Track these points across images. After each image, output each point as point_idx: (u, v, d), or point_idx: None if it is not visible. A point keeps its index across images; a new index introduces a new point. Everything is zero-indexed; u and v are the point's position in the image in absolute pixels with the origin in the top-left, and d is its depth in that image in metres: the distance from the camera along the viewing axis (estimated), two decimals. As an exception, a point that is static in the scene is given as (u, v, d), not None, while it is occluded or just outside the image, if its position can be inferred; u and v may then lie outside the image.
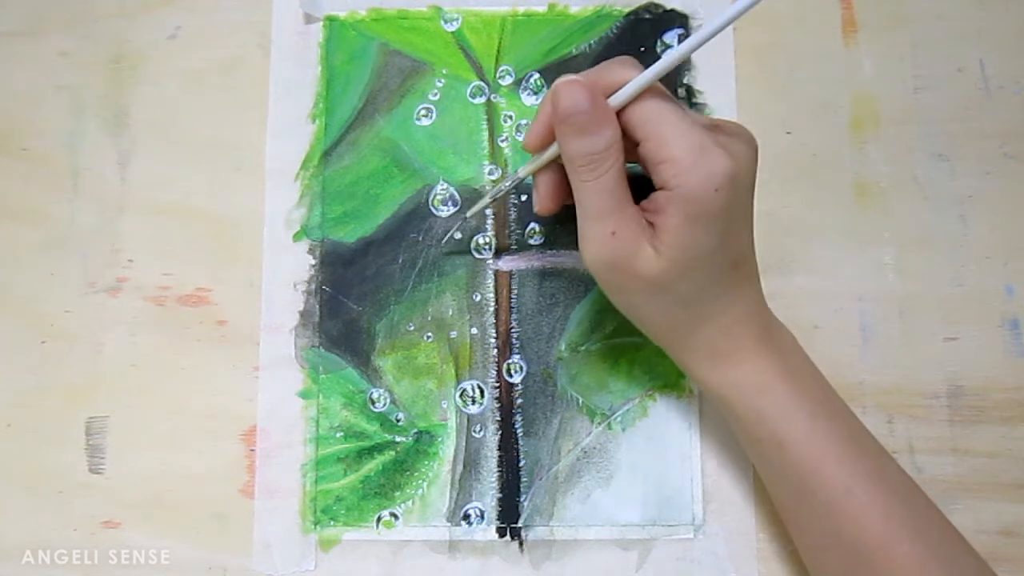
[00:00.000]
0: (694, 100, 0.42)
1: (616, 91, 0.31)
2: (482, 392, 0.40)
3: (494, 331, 0.41)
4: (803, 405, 0.33)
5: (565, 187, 0.35)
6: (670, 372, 0.40)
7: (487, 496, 0.40)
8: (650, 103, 0.31)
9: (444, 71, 0.43)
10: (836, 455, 0.33)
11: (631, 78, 0.31)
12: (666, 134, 0.30)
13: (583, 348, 0.41)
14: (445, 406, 0.40)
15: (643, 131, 0.31)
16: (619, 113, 0.32)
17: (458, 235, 0.41)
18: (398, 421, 0.40)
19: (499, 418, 0.40)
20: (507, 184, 0.37)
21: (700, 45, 0.30)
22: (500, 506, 0.39)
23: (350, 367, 0.41)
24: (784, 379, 0.33)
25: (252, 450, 0.40)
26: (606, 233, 0.32)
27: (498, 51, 0.43)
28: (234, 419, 0.40)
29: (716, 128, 0.32)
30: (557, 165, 0.35)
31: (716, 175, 0.30)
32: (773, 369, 0.33)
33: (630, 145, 0.32)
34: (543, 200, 0.36)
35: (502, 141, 0.42)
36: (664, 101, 0.31)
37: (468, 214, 0.40)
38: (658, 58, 0.42)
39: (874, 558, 0.32)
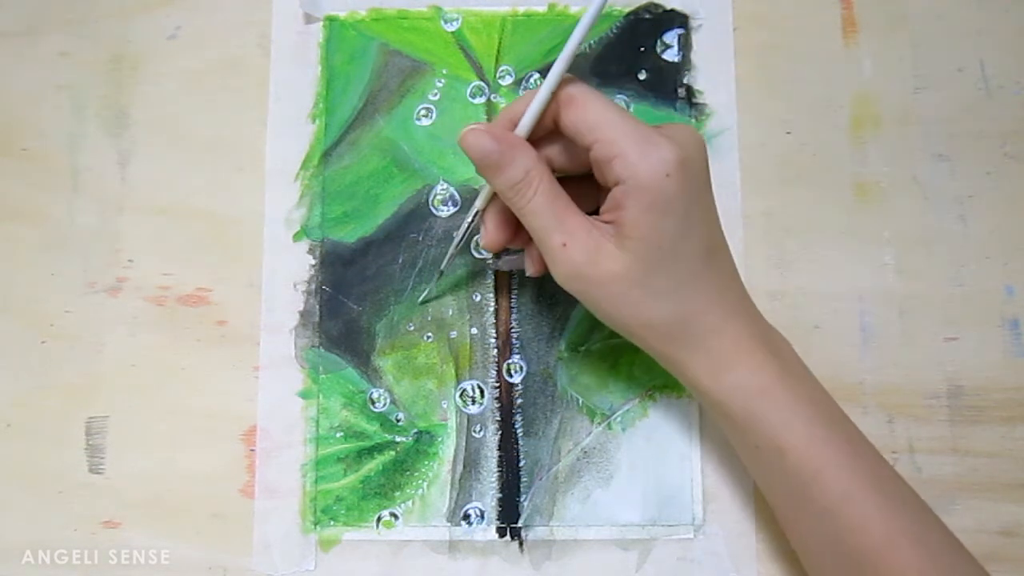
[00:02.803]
0: (694, 100, 0.42)
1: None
2: (482, 392, 0.40)
3: (494, 331, 0.41)
4: (802, 410, 0.33)
5: (511, 219, 0.36)
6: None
7: (487, 496, 0.40)
8: (592, 109, 0.32)
9: (444, 71, 0.43)
10: (835, 461, 0.33)
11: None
12: (611, 133, 0.32)
13: (583, 348, 0.41)
14: (445, 406, 0.40)
15: (591, 136, 0.32)
16: (565, 123, 0.33)
17: (433, 290, 0.41)
18: (398, 421, 0.40)
19: (499, 418, 0.40)
20: (468, 222, 0.37)
21: (571, 56, 0.32)
22: (500, 506, 0.39)
23: (350, 367, 0.41)
24: (782, 383, 0.33)
25: (252, 450, 0.40)
26: (557, 247, 0.33)
27: (498, 51, 0.43)
28: (234, 419, 0.40)
29: (659, 127, 0.33)
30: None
31: (665, 161, 0.31)
32: (771, 372, 0.33)
33: (582, 151, 0.33)
34: (490, 234, 0.36)
35: (502, 141, 0.42)
36: (605, 105, 0.32)
37: (443, 266, 0.40)
38: (656, 57, 0.42)
39: (874, 564, 0.32)
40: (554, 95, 0.33)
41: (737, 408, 0.34)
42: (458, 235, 0.38)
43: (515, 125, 0.34)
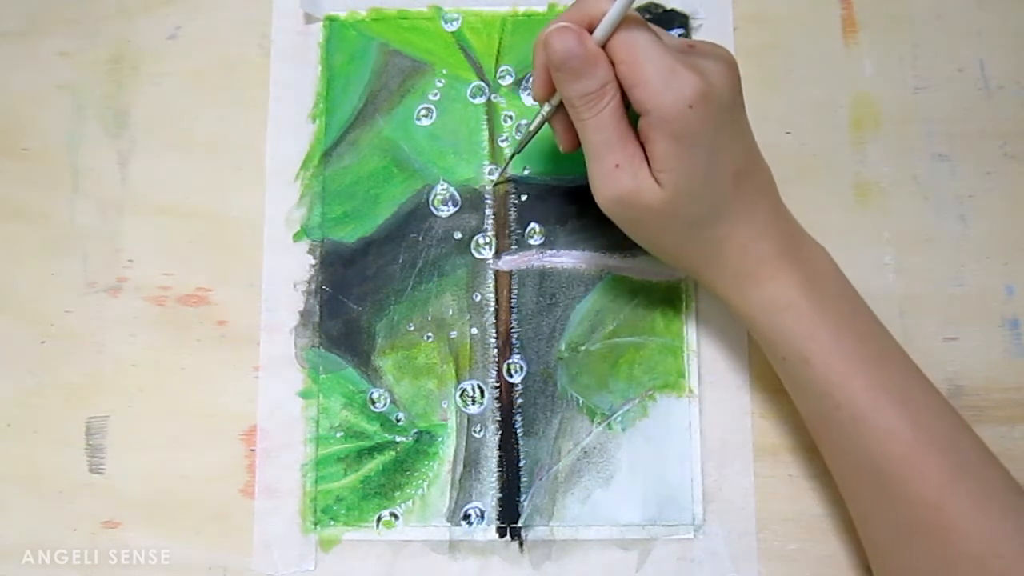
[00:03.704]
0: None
1: (597, 24, 0.32)
2: (482, 392, 0.40)
3: (494, 331, 0.41)
4: (827, 321, 0.33)
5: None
6: (670, 372, 0.40)
7: (487, 496, 0.40)
8: (624, 29, 0.32)
9: (444, 71, 0.43)
10: (862, 371, 0.33)
11: (606, 8, 0.32)
12: (639, 57, 0.32)
13: (583, 348, 0.41)
14: (445, 406, 0.40)
15: (618, 55, 0.32)
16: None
17: (510, 168, 0.41)
18: (398, 421, 0.40)
19: (499, 418, 0.40)
20: (536, 121, 0.37)
21: None
22: (500, 506, 0.39)
23: (350, 367, 0.41)
24: (808, 296, 0.34)
25: (252, 450, 0.40)
26: (610, 167, 0.33)
27: (498, 51, 0.43)
28: (234, 419, 0.40)
29: (691, 49, 0.33)
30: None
31: (687, 94, 0.31)
32: (796, 286, 0.34)
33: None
34: (563, 139, 0.37)
35: (502, 141, 0.42)
36: (637, 26, 0.32)
37: (516, 151, 0.40)
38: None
39: (900, 470, 0.32)
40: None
41: (763, 322, 0.34)
42: (532, 127, 0.38)
43: (587, 28, 0.33)
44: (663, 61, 0.31)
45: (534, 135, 0.38)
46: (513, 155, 0.40)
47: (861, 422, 0.33)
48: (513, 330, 0.41)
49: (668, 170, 0.32)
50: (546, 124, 0.37)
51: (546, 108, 0.36)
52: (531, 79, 0.36)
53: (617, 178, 0.33)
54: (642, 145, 0.33)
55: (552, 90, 0.35)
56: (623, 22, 0.32)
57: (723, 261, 0.34)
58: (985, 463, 0.33)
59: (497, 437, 0.40)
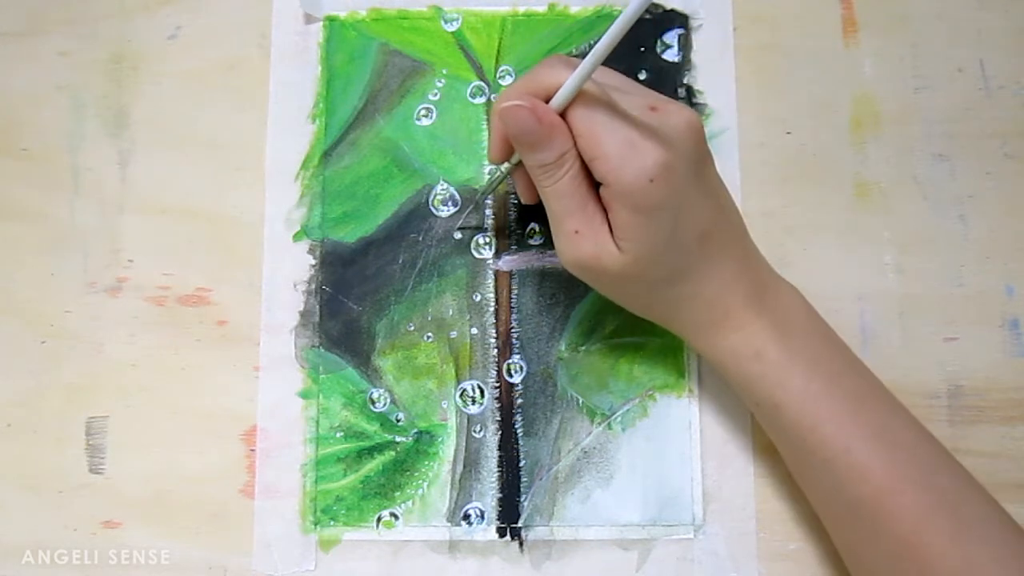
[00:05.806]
0: (694, 100, 0.42)
1: (554, 94, 0.32)
2: (482, 392, 0.40)
3: (494, 331, 0.41)
4: (796, 367, 0.33)
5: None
6: (670, 372, 0.40)
7: (487, 496, 0.40)
8: (581, 101, 0.32)
9: (444, 71, 0.43)
10: (834, 414, 0.33)
11: (563, 78, 0.31)
12: (597, 130, 0.31)
13: (583, 348, 0.41)
14: (445, 406, 0.40)
15: (576, 128, 0.32)
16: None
17: (458, 235, 0.41)
18: (398, 421, 0.40)
19: (499, 418, 0.40)
20: (497, 176, 0.38)
21: (618, 37, 0.29)
22: (500, 506, 0.39)
23: (350, 367, 0.40)
24: (775, 342, 0.34)
25: (252, 450, 0.40)
26: (570, 232, 0.33)
27: (498, 51, 0.43)
28: (234, 419, 0.40)
29: (654, 111, 0.32)
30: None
31: (648, 168, 0.31)
32: (763, 334, 0.34)
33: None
34: (524, 193, 0.37)
35: (502, 141, 0.42)
36: (595, 97, 0.32)
37: (481, 196, 0.41)
38: (656, 57, 0.42)
39: (873, 510, 0.32)
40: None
41: (732, 371, 0.35)
42: (490, 181, 0.39)
43: (543, 97, 0.32)
44: (621, 133, 0.31)
45: (495, 187, 0.39)
46: (480, 198, 0.41)
47: (834, 464, 0.33)
48: (513, 330, 0.41)
49: (629, 239, 0.32)
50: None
51: (506, 165, 0.36)
52: (488, 143, 0.36)
53: (577, 243, 0.33)
54: (604, 207, 0.33)
55: (509, 153, 0.35)
56: (581, 92, 0.31)
57: (687, 315, 0.34)
58: (963, 494, 0.33)
59: (497, 437, 0.40)
